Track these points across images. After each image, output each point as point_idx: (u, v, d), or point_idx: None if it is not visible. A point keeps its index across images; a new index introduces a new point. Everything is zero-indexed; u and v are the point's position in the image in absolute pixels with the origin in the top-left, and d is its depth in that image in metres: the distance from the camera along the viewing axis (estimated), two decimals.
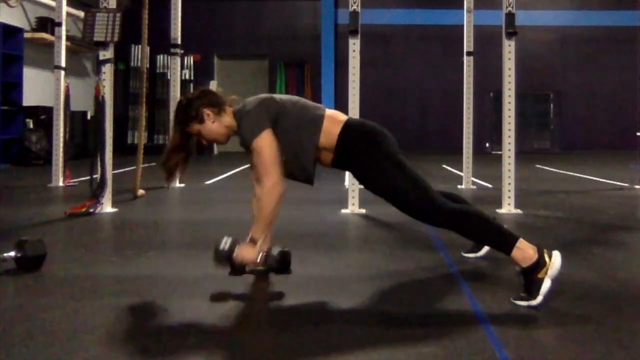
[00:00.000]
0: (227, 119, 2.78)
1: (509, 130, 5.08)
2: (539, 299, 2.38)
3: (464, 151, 6.91)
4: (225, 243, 2.64)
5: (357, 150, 2.68)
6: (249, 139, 2.64)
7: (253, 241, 2.64)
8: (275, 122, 2.68)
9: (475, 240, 3.12)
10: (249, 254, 2.63)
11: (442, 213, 2.57)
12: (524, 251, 2.46)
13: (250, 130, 2.65)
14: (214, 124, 2.77)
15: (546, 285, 2.39)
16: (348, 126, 2.72)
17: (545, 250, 2.46)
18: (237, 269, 2.77)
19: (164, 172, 2.83)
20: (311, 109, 2.77)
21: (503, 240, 2.52)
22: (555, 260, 2.43)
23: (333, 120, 2.74)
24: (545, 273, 2.40)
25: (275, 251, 2.76)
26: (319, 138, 2.70)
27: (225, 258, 2.64)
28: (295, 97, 2.86)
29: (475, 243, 3.24)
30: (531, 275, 2.42)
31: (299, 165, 2.72)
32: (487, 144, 14.28)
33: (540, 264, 2.42)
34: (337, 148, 2.70)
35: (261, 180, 2.63)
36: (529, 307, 2.38)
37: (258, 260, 2.66)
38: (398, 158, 2.66)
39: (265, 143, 2.63)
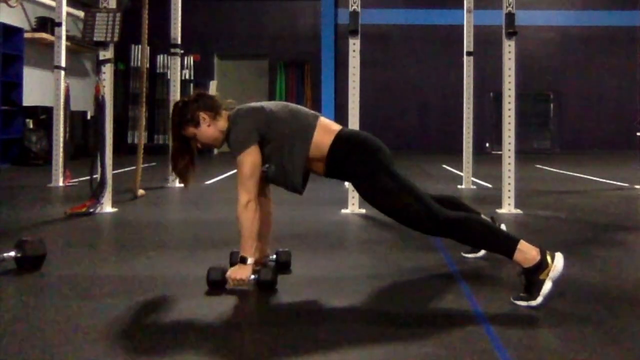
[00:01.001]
0: (223, 123, 2.77)
1: (509, 130, 5.08)
2: (539, 299, 2.38)
3: (464, 151, 6.91)
4: (216, 269, 2.67)
5: (348, 162, 2.67)
6: (235, 153, 2.66)
7: (243, 260, 2.65)
8: (264, 133, 2.68)
9: (474, 246, 3.11)
10: (241, 273, 2.63)
11: (437, 222, 2.55)
12: (526, 253, 2.44)
13: (236, 145, 2.67)
14: (210, 128, 2.76)
15: (547, 286, 2.38)
16: (339, 138, 2.70)
17: (548, 252, 2.45)
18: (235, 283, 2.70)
19: (176, 176, 2.88)
20: (303, 118, 2.75)
21: (503, 244, 2.51)
22: (557, 263, 2.41)
23: (325, 130, 2.71)
24: (547, 275, 2.39)
25: (271, 261, 2.73)
26: (309, 149, 2.68)
27: (219, 277, 2.64)
28: (289, 105, 2.83)
29: None
30: (532, 276, 2.41)
31: (289, 175, 2.71)
32: (487, 144, 14.28)
33: (542, 266, 2.41)
34: (328, 159, 2.69)
35: (239, 194, 2.65)
36: (529, 307, 2.38)
37: (251, 279, 2.64)
38: (390, 169, 2.64)
39: (248, 160, 2.64)
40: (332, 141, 2.68)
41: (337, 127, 2.77)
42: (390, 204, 2.62)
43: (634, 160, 8.39)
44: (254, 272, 2.66)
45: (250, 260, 2.65)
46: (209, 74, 14.24)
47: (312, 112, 2.84)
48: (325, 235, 4.09)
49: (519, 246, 2.46)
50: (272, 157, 2.70)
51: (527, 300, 2.40)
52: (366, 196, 2.70)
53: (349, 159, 2.67)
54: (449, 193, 3.66)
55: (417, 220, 2.60)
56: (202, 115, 2.75)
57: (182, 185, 2.95)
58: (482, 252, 3.25)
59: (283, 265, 2.97)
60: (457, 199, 3.03)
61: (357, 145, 2.69)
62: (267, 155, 2.70)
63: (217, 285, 2.64)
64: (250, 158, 2.65)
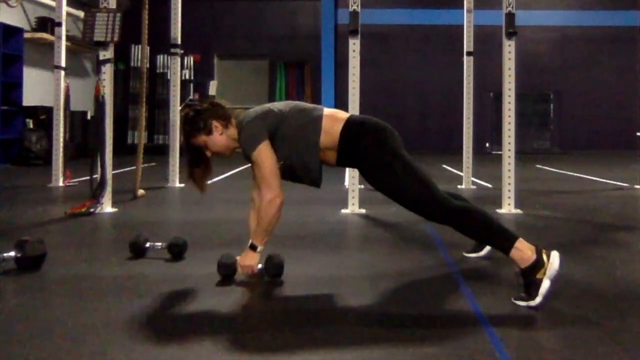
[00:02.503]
0: (233, 132, 2.81)
1: (509, 130, 5.08)
2: (538, 299, 2.38)
3: (464, 151, 6.91)
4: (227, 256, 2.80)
5: (360, 147, 2.69)
6: (249, 152, 2.68)
7: (253, 248, 2.71)
8: (275, 131, 2.71)
9: (474, 238, 3.11)
10: (250, 260, 2.71)
11: (443, 209, 2.59)
12: (522, 252, 2.46)
13: (249, 143, 2.68)
14: (222, 137, 2.80)
15: (545, 286, 2.39)
16: (349, 123, 2.73)
17: (543, 251, 2.46)
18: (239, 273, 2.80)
19: (194, 186, 2.92)
20: (309, 111, 2.79)
21: (502, 240, 2.53)
22: (553, 261, 2.42)
23: (333, 119, 2.75)
24: (544, 274, 2.40)
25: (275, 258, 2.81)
26: (321, 138, 2.71)
27: (228, 267, 2.77)
28: (291, 102, 2.88)
29: (476, 243, 3.24)
30: (530, 276, 2.42)
31: (305, 169, 2.75)
32: (487, 144, 14.28)
33: (538, 265, 2.42)
34: (340, 146, 2.71)
35: (262, 191, 2.69)
36: (529, 307, 2.38)
37: (259, 267, 2.74)
38: (400, 153, 2.67)
39: (264, 155, 2.66)
40: (342, 127, 2.71)
41: (345, 115, 2.80)
42: (397, 188, 2.64)
43: (634, 160, 8.39)
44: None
45: (259, 248, 2.71)
46: (209, 74, 14.24)
47: (313, 105, 2.89)
48: (325, 235, 4.09)
49: (516, 244, 2.48)
50: (286, 154, 2.72)
51: (526, 300, 2.40)
52: (374, 180, 2.71)
53: (359, 144, 2.69)
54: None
55: (422, 205, 2.62)
56: (215, 123, 2.78)
57: (199, 191, 2.97)
58: (483, 252, 3.25)
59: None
60: (461, 197, 3.02)
61: (368, 130, 2.71)
62: (282, 154, 2.72)
63: (227, 270, 2.75)
64: (267, 153, 2.67)
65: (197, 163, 2.86)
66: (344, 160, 2.77)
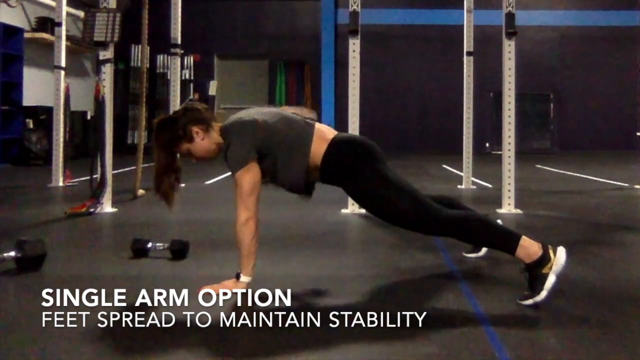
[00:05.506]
0: (216, 135, 2.69)
1: (509, 130, 5.09)
2: (544, 294, 2.37)
3: (464, 151, 6.91)
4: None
5: (341, 170, 2.64)
6: (234, 172, 2.58)
7: (238, 277, 2.61)
8: (261, 148, 2.60)
9: (476, 244, 3.11)
10: (228, 285, 2.59)
11: (438, 222, 2.53)
12: (528, 248, 2.45)
13: (234, 162, 2.57)
14: (204, 141, 2.68)
15: (551, 280, 2.38)
16: (332, 146, 2.64)
17: (550, 247, 2.45)
18: None
19: (160, 198, 2.76)
20: (299, 128, 2.68)
21: (505, 241, 2.50)
22: (559, 256, 2.42)
23: (321, 139, 2.66)
24: (550, 268, 2.40)
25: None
26: (308, 160, 2.64)
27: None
28: (282, 113, 2.74)
29: None
30: (535, 271, 2.41)
31: (289, 188, 2.70)
32: (487, 144, 14.28)
33: (545, 260, 2.41)
34: (322, 168, 2.65)
35: (238, 210, 2.58)
36: (535, 303, 2.38)
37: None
38: (384, 173, 2.60)
39: (249, 176, 2.56)
40: (325, 149, 2.64)
41: (331, 134, 2.71)
42: (385, 209, 2.59)
43: (634, 160, 8.40)
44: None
45: (243, 278, 2.60)
46: (209, 74, 14.24)
47: (308, 118, 2.77)
48: (325, 235, 4.09)
49: (521, 242, 2.46)
50: (271, 171, 2.65)
51: (532, 297, 2.40)
52: (362, 203, 2.69)
53: (340, 167, 2.63)
54: (449, 193, 3.68)
55: (415, 222, 2.57)
56: (195, 129, 2.66)
57: (166, 205, 2.79)
58: (483, 252, 3.25)
59: (177, 254, 3.26)
60: (455, 199, 3.02)
61: (348, 151, 2.64)
62: (265, 169, 2.64)
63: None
64: (250, 175, 2.56)
65: (168, 174, 2.71)
66: (327, 180, 2.71)
